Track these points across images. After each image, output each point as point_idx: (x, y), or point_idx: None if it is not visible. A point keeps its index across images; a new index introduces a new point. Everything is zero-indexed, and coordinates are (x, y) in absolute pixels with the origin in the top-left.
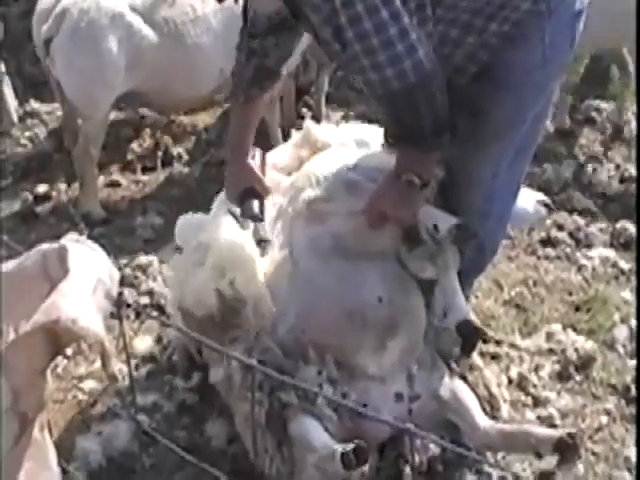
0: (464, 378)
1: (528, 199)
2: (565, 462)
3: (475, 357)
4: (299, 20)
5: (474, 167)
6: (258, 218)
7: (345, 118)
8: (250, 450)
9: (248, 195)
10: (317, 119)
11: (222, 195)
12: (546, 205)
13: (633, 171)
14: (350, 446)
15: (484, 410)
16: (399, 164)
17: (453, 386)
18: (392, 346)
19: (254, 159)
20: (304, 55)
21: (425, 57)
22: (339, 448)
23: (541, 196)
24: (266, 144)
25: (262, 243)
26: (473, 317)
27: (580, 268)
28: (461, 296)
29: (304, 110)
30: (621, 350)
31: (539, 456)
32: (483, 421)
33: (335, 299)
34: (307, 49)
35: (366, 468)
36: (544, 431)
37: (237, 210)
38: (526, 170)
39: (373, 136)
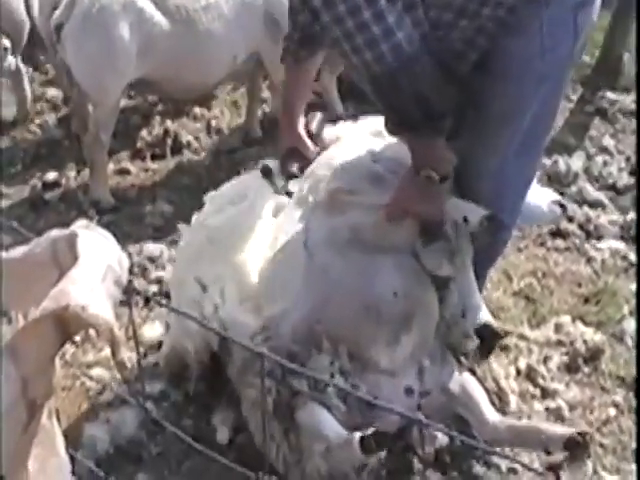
0: (473, 372)
1: (543, 198)
2: (574, 460)
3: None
4: None
5: (480, 158)
6: (293, 176)
7: (361, 111)
8: (256, 436)
9: (289, 155)
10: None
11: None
12: (561, 205)
13: None
14: (370, 430)
15: (493, 404)
16: (414, 160)
17: (462, 380)
18: (405, 340)
19: (311, 124)
20: None
21: (405, 40)
22: (357, 434)
23: (556, 196)
24: (275, 135)
25: (288, 195)
26: (492, 319)
27: (590, 260)
28: (479, 297)
29: (314, 98)
30: (630, 342)
31: (548, 453)
32: (492, 416)
33: (351, 293)
34: None
35: (383, 454)
36: (555, 429)
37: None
38: (538, 163)
39: None
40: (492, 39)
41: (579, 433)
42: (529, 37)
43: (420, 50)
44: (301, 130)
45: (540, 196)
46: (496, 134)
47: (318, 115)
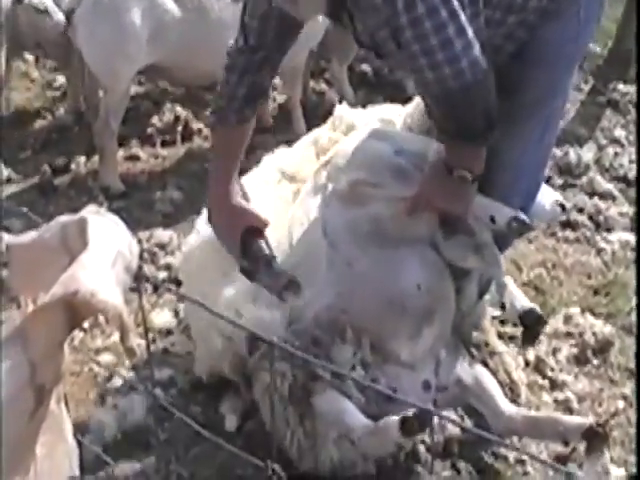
0: (485, 364)
1: (547, 197)
2: (593, 451)
3: (494, 340)
4: (339, 21)
5: (506, 143)
6: (272, 258)
7: (368, 98)
8: (266, 420)
9: (250, 237)
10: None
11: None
12: (562, 206)
13: None
14: (411, 412)
15: (505, 395)
16: (450, 159)
17: (475, 372)
18: (427, 333)
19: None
20: None
21: (479, 54)
22: (394, 417)
23: (559, 196)
24: (288, 125)
25: (292, 285)
26: (535, 306)
27: (599, 252)
28: (513, 286)
29: (324, 87)
30: None
31: (566, 444)
32: (507, 407)
33: (376, 285)
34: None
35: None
36: (573, 419)
37: (241, 260)
38: (553, 146)
39: (397, 115)
40: (531, 30)
41: (598, 423)
42: (566, 22)
43: (489, 63)
44: (244, 204)
45: (544, 194)
46: (526, 123)
47: (239, 185)
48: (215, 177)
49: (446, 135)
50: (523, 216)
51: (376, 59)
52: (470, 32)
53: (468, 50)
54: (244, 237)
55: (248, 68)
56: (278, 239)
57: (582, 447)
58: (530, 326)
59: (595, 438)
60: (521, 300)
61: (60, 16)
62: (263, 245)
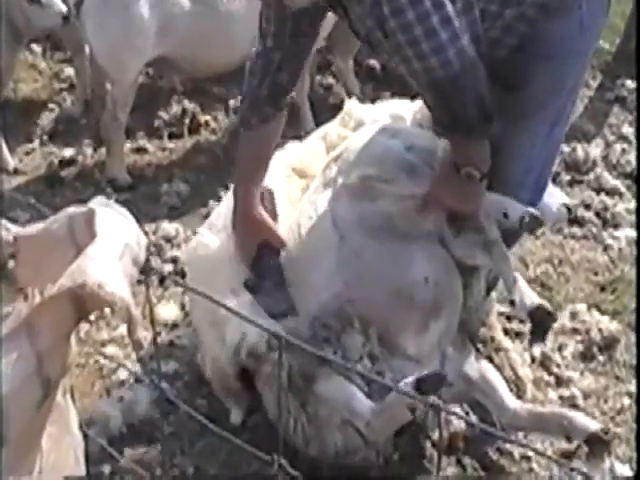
0: (490, 360)
1: (554, 199)
2: (594, 457)
3: (500, 337)
4: (335, 12)
5: (515, 138)
6: (279, 280)
7: (376, 93)
8: (270, 411)
9: (263, 253)
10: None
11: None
12: (569, 209)
13: None
14: (425, 372)
15: (510, 391)
16: (457, 158)
17: (480, 367)
18: (434, 328)
19: (264, 201)
20: None
21: (467, 44)
22: (410, 378)
23: (565, 198)
24: (296, 120)
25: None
26: (544, 302)
27: (606, 248)
28: (523, 282)
29: (331, 81)
30: None
31: (568, 439)
32: (512, 402)
33: (384, 276)
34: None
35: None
36: (578, 417)
37: (251, 276)
38: (562, 142)
39: (407, 110)
40: (532, 24)
41: (603, 430)
42: (569, 17)
43: (478, 52)
44: (266, 218)
45: (551, 195)
46: (533, 117)
47: (267, 192)
48: (240, 183)
49: (441, 127)
50: (536, 212)
51: (373, 53)
52: (457, 23)
53: (455, 40)
54: (258, 251)
55: (267, 69)
56: (285, 232)
57: (585, 447)
58: (539, 322)
59: (598, 445)
60: (530, 296)
61: (57, 8)
62: (273, 264)
